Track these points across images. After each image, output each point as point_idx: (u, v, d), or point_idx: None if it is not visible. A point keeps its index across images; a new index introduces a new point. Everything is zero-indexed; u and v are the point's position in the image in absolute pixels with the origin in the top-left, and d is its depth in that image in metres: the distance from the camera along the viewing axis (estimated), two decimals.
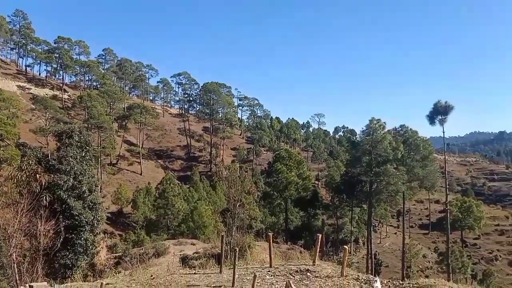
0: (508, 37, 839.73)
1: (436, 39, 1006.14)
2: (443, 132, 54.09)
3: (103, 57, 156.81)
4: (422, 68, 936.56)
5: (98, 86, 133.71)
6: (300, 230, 73.96)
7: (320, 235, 18.11)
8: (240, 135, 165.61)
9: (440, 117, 51.08)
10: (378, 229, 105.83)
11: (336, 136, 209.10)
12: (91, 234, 29.54)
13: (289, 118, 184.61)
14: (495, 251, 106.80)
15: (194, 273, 17.75)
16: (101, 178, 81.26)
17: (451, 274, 53.77)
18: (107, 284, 15.56)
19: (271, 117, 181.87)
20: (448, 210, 67.66)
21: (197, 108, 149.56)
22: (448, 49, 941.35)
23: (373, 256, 66.08)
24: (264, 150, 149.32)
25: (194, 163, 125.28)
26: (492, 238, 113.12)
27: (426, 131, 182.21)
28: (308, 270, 16.93)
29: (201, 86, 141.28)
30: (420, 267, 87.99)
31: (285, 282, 13.19)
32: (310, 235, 66.98)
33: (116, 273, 19.37)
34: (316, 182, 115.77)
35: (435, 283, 14.09)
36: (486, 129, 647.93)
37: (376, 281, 13.27)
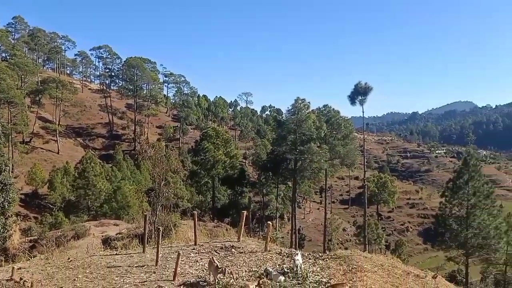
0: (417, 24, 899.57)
1: (360, 26, 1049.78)
2: (363, 112, 56.89)
3: (13, 26, 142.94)
4: (347, 52, 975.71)
5: (8, 57, 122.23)
6: (228, 208, 74.49)
7: (245, 212, 18.19)
8: (166, 112, 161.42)
9: (360, 98, 53.52)
10: (302, 205, 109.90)
11: (263, 115, 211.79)
12: (1, 217, 27.38)
13: (216, 96, 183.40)
14: (406, 223, 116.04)
15: (116, 254, 17.08)
16: (12, 157, 75.26)
17: (367, 245, 57.48)
18: (19, 268, 14.44)
19: (198, 94, 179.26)
20: (366, 186, 71.95)
21: (120, 84, 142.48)
22: (370, 35, 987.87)
23: (297, 231, 68.56)
24: (191, 129, 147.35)
25: (117, 141, 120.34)
26: (404, 211, 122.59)
27: (348, 111, 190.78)
28: (233, 246, 17.01)
29: (124, 61, 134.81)
30: (340, 239, 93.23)
31: (209, 259, 13.11)
32: (237, 213, 67.71)
33: (30, 257, 18.06)
34: (244, 160, 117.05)
35: (351, 253, 14.80)
36: (401, 110, 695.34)
37: (297, 254, 13.61)
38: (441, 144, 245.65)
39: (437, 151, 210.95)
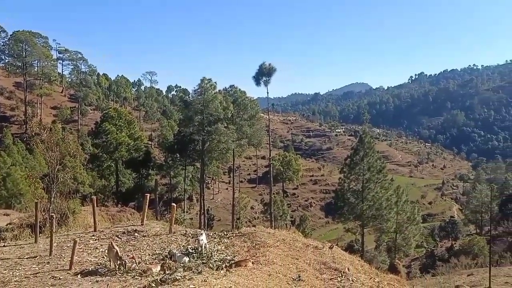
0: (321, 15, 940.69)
1: (263, 7, 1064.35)
2: (267, 93, 58.03)
3: None
4: (252, 32, 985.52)
5: None
6: (133, 191, 71.96)
7: (148, 195, 17.66)
8: (62, 92, 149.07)
9: (265, 78, 54.43)
10: (211, 186, 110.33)
11: (169, 95, 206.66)
12: None
13: (118, 75, 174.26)
14: (310, 198, 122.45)
15: (4, 246, 15.55)
16: None
17: (273, 222, 59.57)
18: None
19: (98, 73, 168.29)
20: (272, 165, 74.18)
21: (6, 60, 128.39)
22: (274, 17, 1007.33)
23: (205, 212, 68.69)
24: (91, 110, 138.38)
25: (5, 123, 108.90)
26: (307, 187, 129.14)
27: (254, 92, 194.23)
28: (136, 230, 16.45)
29: (10, 35, 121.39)
30: (249, 218, 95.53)
31: (108, 245, 12.46)
32: (142, 196, 65.68)
33: None
34: (149, 142, 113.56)
35: (255, 230, 15.10)
36: (304, 90, 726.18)
37: (201, 234, 13.53)
38: (340, 123, 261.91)
39: (337, 130, 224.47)
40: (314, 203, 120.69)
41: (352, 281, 11.84)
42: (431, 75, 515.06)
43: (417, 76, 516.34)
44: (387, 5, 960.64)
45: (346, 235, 76.11)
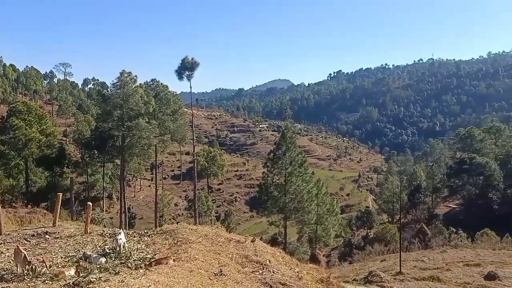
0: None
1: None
2: (191, 87, 57.07)
3: None
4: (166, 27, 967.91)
5: None
6: (45, 191, 67.19)
7: (61, 194, 16.50)
8: None
9: (188, 73, 53.48)
10: (132, 183, 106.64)
11: (86, 88, 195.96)
12: None
13: (27, 67, 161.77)
14: (235, 193, 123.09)
15: None
16: None
17: (197, 218, 59.03)
18: None
19: (4, 64, 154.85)
20: (196, 160, 73.46)
21: None
22: (196, 13, 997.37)
23: (126, 210, 66.26)
24: None
25: None
26: (232, 182, 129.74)
27: (178, 86, 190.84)
28: (47, 232, 15.27)
29: None
30: (172, 215, 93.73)
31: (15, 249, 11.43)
32: (56, 196, 61.70)
33: None
34: (64, 138, 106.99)
35: (177, 227, 14.77)
36: (228, 86, 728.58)
37: (120, 233, 12.92)
38: (264, 119, 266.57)
39: (260, 126, 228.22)
40: (239, 197, 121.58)
41: (273, 272, 12.01)
42: (348, 73, 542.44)
43: (335, 74, 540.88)
44: (305, 5, 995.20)
45: (270, 228, 77.60)
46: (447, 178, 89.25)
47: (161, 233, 14.23)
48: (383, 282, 21.47)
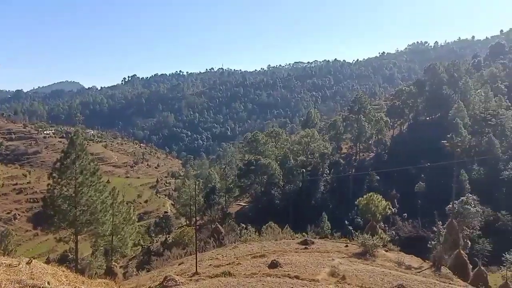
0: None
1: None
2: None
3: None
4: None
5: None
6: None
7: None
8: None
9: None
10: None
11: None
12: None
13: None
14: (14, 210, 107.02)
15: None
16: None
17: None
18: None
19: None
20: None
21: None
22: None
23: None
24: None
25: None
26: (10, 197, 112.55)
27: None
28: None
29: None
30: None
31: None
32: None
33: None
34: None
35: None
36: (3, 87, 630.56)
37: None
38: (49, 124, 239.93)
39: (45, 132, 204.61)
40: (19, 214, 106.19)
41: None
42: (143, 78, 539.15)
43: (130, 78, 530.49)
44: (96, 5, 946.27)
45: (59, 246, 70.08)
46: (238, 178, 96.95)
47: None
48: (178, 285, 21.51)
